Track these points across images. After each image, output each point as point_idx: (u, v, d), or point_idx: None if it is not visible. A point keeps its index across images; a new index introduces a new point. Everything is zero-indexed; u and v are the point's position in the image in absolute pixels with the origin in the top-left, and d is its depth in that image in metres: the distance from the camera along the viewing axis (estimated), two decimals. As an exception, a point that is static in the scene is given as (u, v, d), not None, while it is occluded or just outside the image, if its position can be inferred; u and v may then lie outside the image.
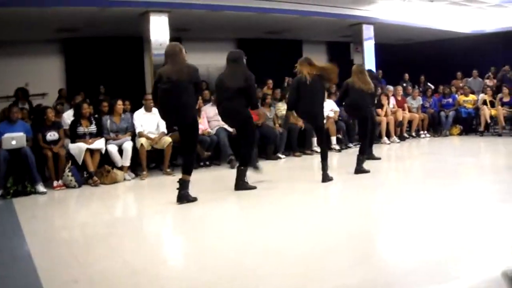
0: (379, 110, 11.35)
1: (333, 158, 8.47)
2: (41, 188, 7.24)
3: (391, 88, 12.43)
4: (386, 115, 11.49)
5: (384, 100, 11.60)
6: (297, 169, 8.61)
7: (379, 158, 8.89)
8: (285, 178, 7.66)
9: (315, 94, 6.91)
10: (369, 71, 9.06)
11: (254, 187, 6.57)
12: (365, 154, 7.80)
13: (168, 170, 8.34)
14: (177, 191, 5.87)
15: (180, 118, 5.89)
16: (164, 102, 5.86)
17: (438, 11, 13.80)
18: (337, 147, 10.38)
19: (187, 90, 5.76)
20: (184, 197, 5.86)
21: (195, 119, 6.06)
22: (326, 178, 6.85)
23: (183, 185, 5.89)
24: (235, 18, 12.25)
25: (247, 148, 6.68)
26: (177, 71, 5.76)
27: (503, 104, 11.94)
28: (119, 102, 8.56)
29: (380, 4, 12.74)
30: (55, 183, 7.56)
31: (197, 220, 5.39)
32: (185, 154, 6.27)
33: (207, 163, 9.02)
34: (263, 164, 7.44)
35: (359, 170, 7.47)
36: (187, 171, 5.95)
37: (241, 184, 6.54)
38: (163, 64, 6.08)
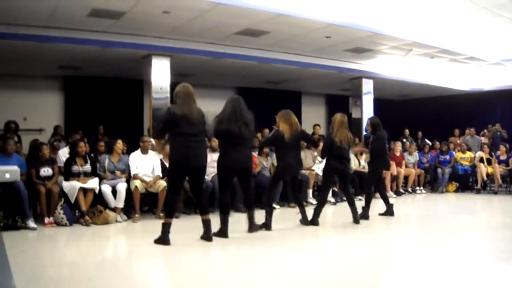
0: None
1: (328, 210, 8.25)
2: (31, 223, 7.11)
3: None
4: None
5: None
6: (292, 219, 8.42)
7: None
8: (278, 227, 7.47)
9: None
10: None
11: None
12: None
13: (161, 214, 8.14)
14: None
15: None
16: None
17: (438, 68, 14.00)
18: (332, 200, 10.27)
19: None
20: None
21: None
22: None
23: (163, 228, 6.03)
24: (236, 66, 12.37)
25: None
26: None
27: (499, 162, 11.96)
28: (119, 141, 8.53)
29: (380, 59, 12.91)
30: (46, 220, 7.44)
31: (187, 266, 5.24)
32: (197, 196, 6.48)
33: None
34: (256, 213, 7.24)
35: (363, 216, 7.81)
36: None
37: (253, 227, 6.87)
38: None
